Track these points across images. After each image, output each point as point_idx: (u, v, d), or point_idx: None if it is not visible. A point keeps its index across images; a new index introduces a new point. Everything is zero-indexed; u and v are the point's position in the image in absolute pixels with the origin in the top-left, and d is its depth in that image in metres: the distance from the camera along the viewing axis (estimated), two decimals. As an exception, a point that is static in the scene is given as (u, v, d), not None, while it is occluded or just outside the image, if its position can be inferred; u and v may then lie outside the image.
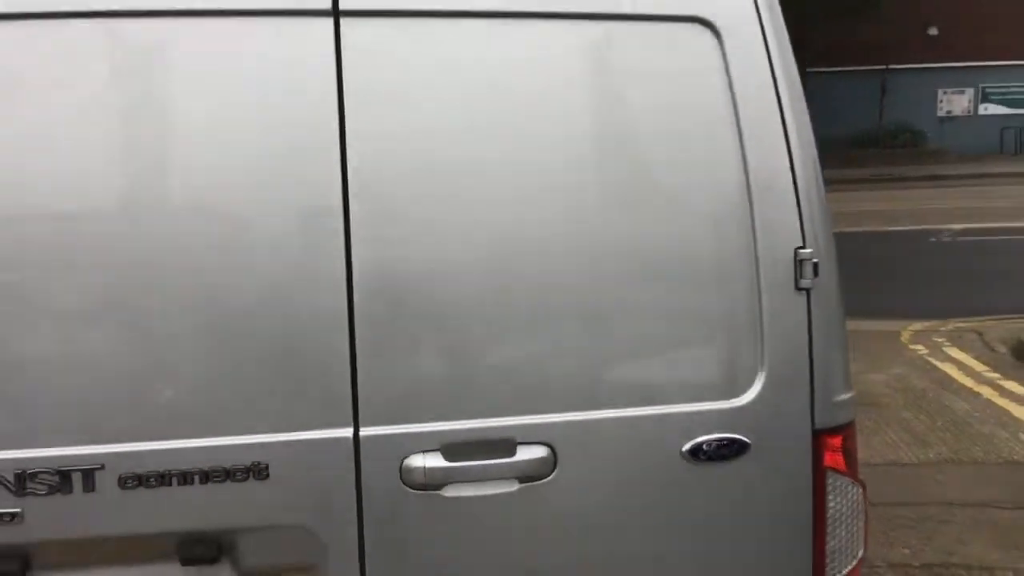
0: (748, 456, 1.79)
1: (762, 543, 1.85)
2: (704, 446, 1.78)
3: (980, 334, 8.53)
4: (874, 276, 12.10)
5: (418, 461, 1.69)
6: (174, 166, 1.61)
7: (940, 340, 8.34)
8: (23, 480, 1.60)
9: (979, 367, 7.48)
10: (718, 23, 1.79)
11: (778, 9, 1.89)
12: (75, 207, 1.60)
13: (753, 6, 1.81)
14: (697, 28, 1.78)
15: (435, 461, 1.70)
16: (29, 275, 1.58)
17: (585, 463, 1.74)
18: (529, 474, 1.73)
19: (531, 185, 1.75)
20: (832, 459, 1.85)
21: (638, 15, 1.80)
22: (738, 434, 1.79)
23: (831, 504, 1.86)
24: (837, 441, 1.86)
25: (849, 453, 1.89)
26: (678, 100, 1.79)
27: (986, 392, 6.80)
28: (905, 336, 8.53)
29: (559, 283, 1.75)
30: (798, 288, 1.80)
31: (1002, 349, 7.99)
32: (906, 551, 4.30)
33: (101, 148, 1.59)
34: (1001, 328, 8.56)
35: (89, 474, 1.61)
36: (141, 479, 1.62)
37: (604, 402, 1.75)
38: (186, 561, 1.66)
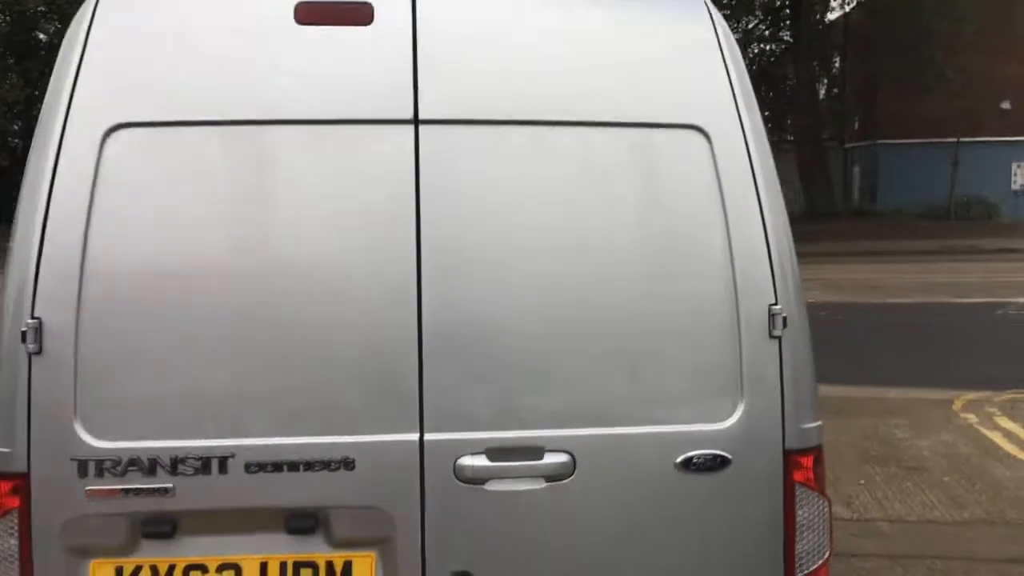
0: (729, 469, 2.25)
1: (741, 542, 2.29)
2: (694, 459, 2.24)
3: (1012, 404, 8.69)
4: (936, 346, 12.26)
5: (467, 461, 2.19)
6: (299, 235, 2.17)
7: (992, 410, 8.51)
8: (176, 463, 2.14)
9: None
10: (708, 130, 2.30)
11: (756, 111, 2.38)
12: (230, 263, 2.17)
13: (736, 114, 2.32)
14: (693, 133, 2.30)
15: (481, 461, 2.20)
16: (196, 316, 2.15)
17: (598, 468, 2.21)
18: (553, 475, 2.21)
19: (568, 251, 2.26)
20: (801, 475, 2.30)
21: (653, 123, 2.32)
22: (721, 451, 2.25)
23: (800, 513, 2.30)
24: (805, 460, 2.30)
25: (817, 471, 2.32)
26: (679, 188, 2.30)
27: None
28: (958, 405, 8.69)
29: (586, 328, 2.25)
30: (771, 336, 2.27)
31: (1048, 427, 8.15)
32: (926, 596, 4.61)
33: (255, 221, 2.16)
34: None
35: (223, 461, 2.15)
36: (261, 466, 2.15)
37: (615, 421, 2.23)
38: (291, 531, 2.18)
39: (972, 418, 8.22)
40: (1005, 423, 8.07)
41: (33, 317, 2.12)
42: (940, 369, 10.28)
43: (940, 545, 5.30)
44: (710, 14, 2.43)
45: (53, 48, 43.88)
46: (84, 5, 2.31)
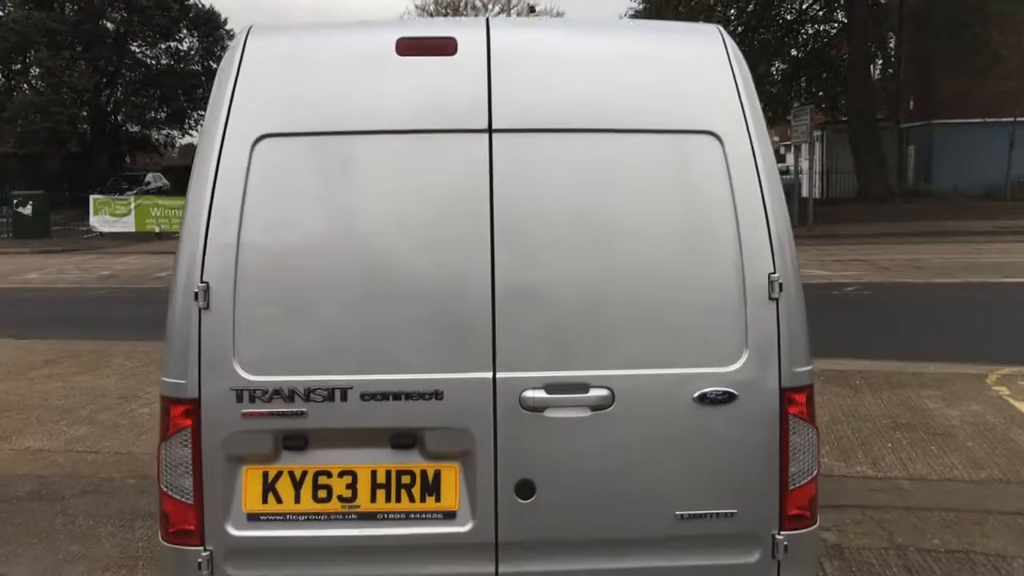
0: (736, 403, 2.85)
1: (745, 462, 2.88)
2: (707, 394, 2.84)
3: None
4: (977, 324, 12.61)
5: (529, 394, 2.82)
6: (402, 219, 2.81)
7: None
8: (308, 393, 2.81)
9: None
10: (721, 135, 2.89)
11: (761, 118, 2.95)
12: (349, 241, 2.83)
13: (743, 122, 2.90)
14: (710, 138, 2.89)
15: (540, 394, 2.82)
16: (324, 283, 2.81)
17: (632, 400, 2.83)
18: (596, 405, 2.83)
19: (611, 232, 2.87)
20: (795, 409, 2.89)
21: (677, 130, 2.92)
22: (729, 388, 2.85)
23: (793, 439, 2.89)
24: (799, 397, 2.89)
25: (808, 406, 2.91)
26: (700, 182, 2.89)
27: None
28: (991, 379, 9.08)
29: (624, 293, 2.86)
30: (770, 298, 2.86)
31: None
32: (936, 542, 5.14)
33: (368, 207, 2.82)
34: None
35: (344, 392, 2.81)
36: (372, 396, 2.81)
37: (645, 364, 2.84)
38: (394, 446, 2.84)
39: (1004, 391, 8.62)
40: (1036, 395, 8.48)
41: (202, 282, 2.80)
42: (979, 345, 10.65)
43: (955, 500, 5.81)
44: (723, 39, 3.02)
45: (120, 36, 45.42)
46: (235, 40, 2.97)
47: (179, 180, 46.09)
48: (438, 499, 2.85)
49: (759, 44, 30.53)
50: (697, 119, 2.91)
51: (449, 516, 2.85)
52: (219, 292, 2.80)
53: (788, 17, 32.20)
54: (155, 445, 6.94)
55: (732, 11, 31.01)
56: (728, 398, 2.85)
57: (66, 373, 9.99)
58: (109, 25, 45.61)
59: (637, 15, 32.13)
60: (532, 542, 2.84)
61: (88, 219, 31.52)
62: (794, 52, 32.82)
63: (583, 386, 2.83)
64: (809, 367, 2.93)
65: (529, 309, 2.82)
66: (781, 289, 2.87)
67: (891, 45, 35.66)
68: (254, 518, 2.84)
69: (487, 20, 2.97)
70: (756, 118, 2.93)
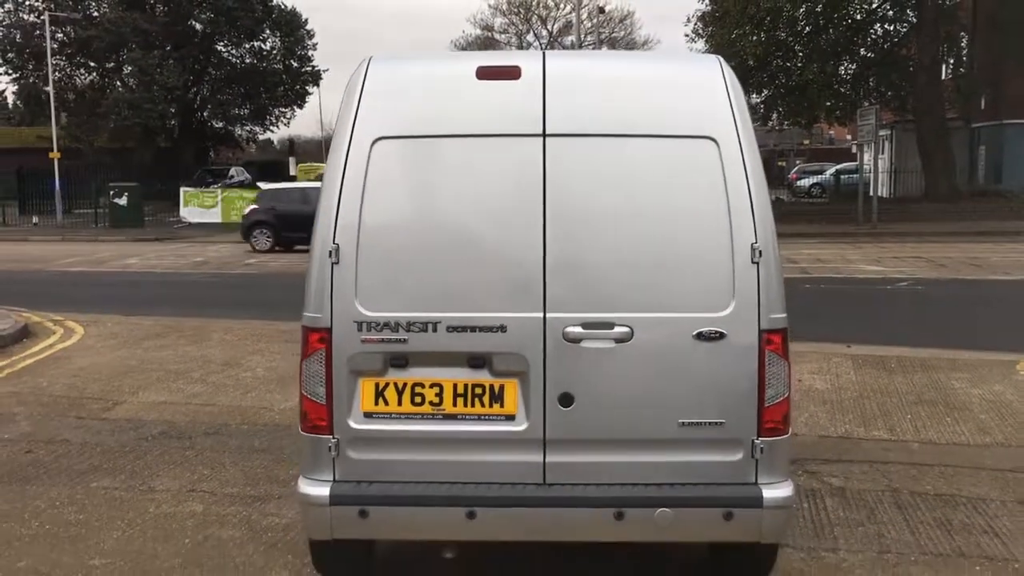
0: (725, 340, 3.79)
1: (733, 385, 3.82)
2: (703, 332, 3.79)
3: None
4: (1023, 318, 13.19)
5: (570, 329, 3.80)
6: (481, 199, 3.81)
7: (1052, 370, 9.55)
8: (409, 325, 3.82)
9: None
10: (717, 138, 3.84)
11: (749, 124, 3.89)
12: (441, 216, 3.84)
13: (735, 129, 3.85)
14: (708, 142, 3.85)
15: (578, 329, 3.80)
16: (421, 246, 3.82)
17: (646, 336, 3.79)
18: (619, 339, 3.79)
19: (634, 210, 3.84)
20: (771, 346, 3.83)
21: (684, 135, 3.88)
22: (720, 328, 3.80)
23: (769, 369, 3.82)
24: (774, 337, 3.82)
25: (783, 345, 3.84)
26: (697, 175, 3.85)
27: (1067, 403, 8.13)
28: (1021, 365, 9.74)
29: (642, 258, 3.83)
30: (752, 262, 3.80)
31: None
32: (929, 488, 5.98)
33: (456, 191, 3.83)
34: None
35: (435, 324, 3.82)
36: (455, 328, 3.81)
37: (657, 309, 3.79)
38: (470, 366, 3.84)
39: (1029, 375, 9.30)
40: (1058, 379, 9.13)
41: (334, 243, 3.86)
42: (1018, 338, 11.21)
43: (956, 459, 6.62)
44: (721, 67, 3.97)
45: (207, 36, 47.60)
46: (360, 66, 4.00)
47: (260, 174, 48.17)
48: (502, 406, 3.87)
49: (827, 44, 30.91)
50: (699, 127, 3.88)
51: (510, 418, 3.86)
52: (346, 251, 3.85)
53: (858, 17, 32.44)
54: (259, 400, 8.15)
55: (801, 10, 31.38)
56: (720, 336, 3.81)
57: (174, 344, 11.26)
58: (197, 26, 47.78)
59: (704, 16, 32.80)
60: (571, 439, 3.84)
61: (178, 210, 33.38)
62: (863, 52, 33.03)
63: (610, 324, 3.82)
64: (783, 315, 3.87)
65: (571, 267, 3.82)
66: (761, 255, 3.81)
67: (963, 44, 35.61)
68: (369, 416, 3.90)
69: (543, 52, 3.98)
70: (745, 127, 3.88)
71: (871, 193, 31.55)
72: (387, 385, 3.90)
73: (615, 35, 52.36)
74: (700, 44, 32.73)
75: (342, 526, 3.88)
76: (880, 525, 5.29)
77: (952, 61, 36.61)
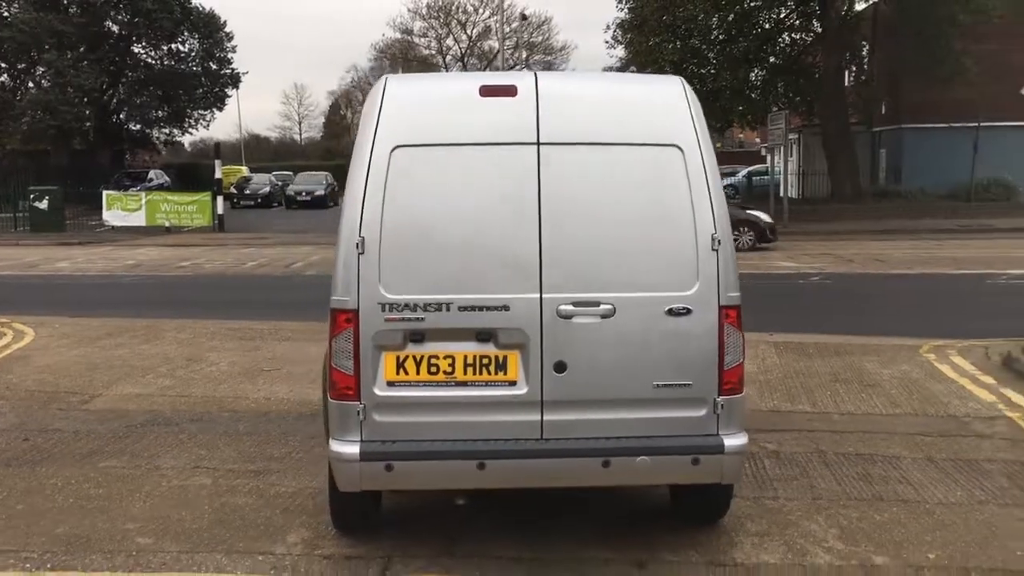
0: (692, 314, 4.54)
1: (699, 352, 4.56)
2: (674, 308, 4.53)
3: (986, 348, 10.59)
4: (925, 308, 14.42)
5: (563, 307, 4.49)
6: (485, 197, 4.46)
7: (950, 352, 10.55)
8: (425, 306, 4.46)
9: (969, 368, 9.73)
10: (682, 146, 4.60)
11: (707, 134, 4.65)
12: (449, 212, 4.49)
13: (696, 139, 4.61)
14: (674, 149, 4.60)
15: (569, 307, 4.49)
16: (432, 238, 4.46)
17: (627, 312, 4.51)
18: (604, 315, 4.50)
19: (613, 208, 4.55)
20: (728, 320, 4.60)
21: (655, 143, 4.63)
22: (687, 304, 4.56)
23: (727, 339, 4.58)
24: (731, 312, 4.59)
25: (738, 319, 4.62)
26: (666, 177, 4.60)
27: (962, 381, 9.16)
28: (924, 348, 10.73)
29: (623, 246, 4.55)
30: (712, 249, 4.57)
31: (996, 358, 10.23)
32: (850, 449, 6.86)
33: (462, 191, 4.48)
34: (1007, 345, 10.68)
35: (448, 305, 4.47)
36: (464, 308, 4.50)
37: (636, 289, 4.52)
38: (478, 340, 4.50)
39: (932, 356, 10.29)
40: (956, 359, 10.15)
41: (360, 236, 4.50)
42: (920, 324, 12.36)
43: (871, 426, 7.54)
44: (683, 85, 4.74)
45: (123, 38, 46.92)
46: (378, 85, 4.65)
47: (179, 177, 47.67)
48: (505, 373, 4.55)
49: (739, 52, 32.33)
50: (667, 137, 4.63)
51: (512, 384, 4.55)
52: (370, 243, 4.49)
53: (767, 26, 33.97)
54: (232, 391, 8.63)
55: (714, 19, 32.75)
56: (687, 311, 4.56)
57: (129, 343, 11.58)
58: (114, 27, 47.05)
59: (623, 23, 33.94)
60: (564, 400, 4.54)
61: (98, 213, 32.98)
62: (772, 59, 34.58)
63: (596, 303, 4.54)
64: (737, 293, 4.64)
65: (562, 255, 4.53)
66: (720, 244, 4.58)
67: (864, 54, 37.48)
68: (391, 384, 4.54)
69: (535, 73, 4.69)
70: (704, 136, 4.66)
71: (781, 194, 33.12)
72: (407, 358, 4.54)
73: (533, 40, 53.41)
74: (620, 51, 33.97)
75: (370, 479, 4.52)
76: (811, 479, 6.13)
77: (855, 69, 38.50)
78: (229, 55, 49.82)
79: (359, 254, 4.49)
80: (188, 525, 5.33)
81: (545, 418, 4.55)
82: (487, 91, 4.63)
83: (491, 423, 4.54)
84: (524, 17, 47.16)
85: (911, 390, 8.74)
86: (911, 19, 31.65)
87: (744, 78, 32.30)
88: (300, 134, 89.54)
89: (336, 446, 4.55)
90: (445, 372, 4.55)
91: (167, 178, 46.17)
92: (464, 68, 69.89)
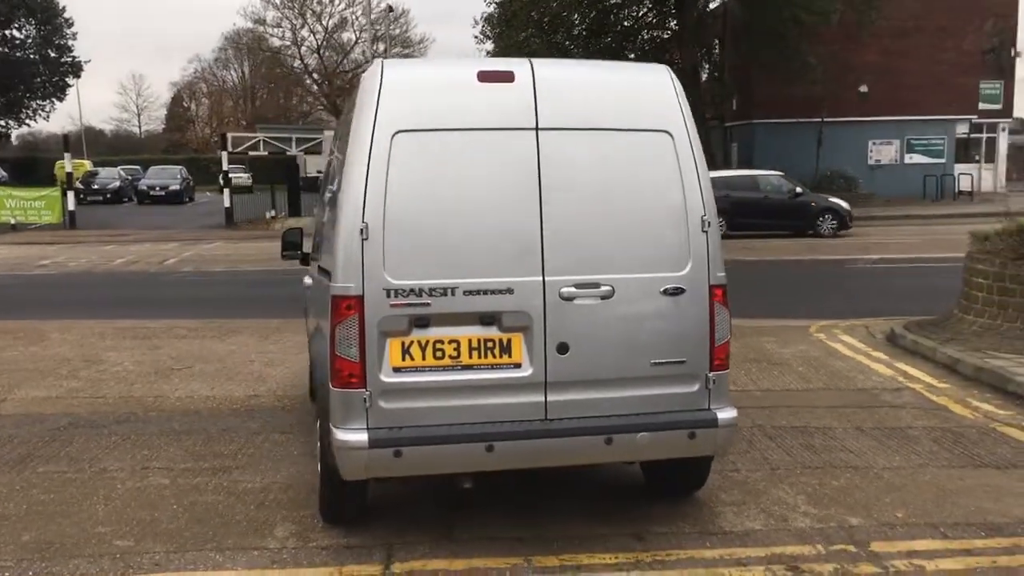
0: (684, 294, 4.72)
1: (691, 329, 4.74)
2: (668, 288, 4.69)
3: (867, 327, 11.46)
4: (801, 292, 15.25)
5: (565, 289, 4.58)
6: (485, 181, 4.49)
7: (837, 331, 11.26)
8: (431, 291, 4.45)
9: (859, 345, 10.44)
10: (672, 131, 4.77)
11: (692, 120, 4.84)
12: (451, 196, 4.50)
13: (684, 124, 4.79)
14: (664, 135, 4.77)
15: (571, 290, 4.59)
16: (436, 222, 4.47)
17: (625, 292, 4.64)
18: (604, 296, 4.61)
19: (609, 189, 4.66)
20: (717, 298, 4.80)
21: (647, 129, 4.77)
22: (680, 284, 4.73)
23: (717, 316, 4.79)
24: (719, 291, 4.80)
25: (725, 297, 4.83)
26: (658, 161, 4.76)
27: (858, 357, 9.80)
28: (813, 328, 11.41)
29: (619, 227, 4.67)
30: (702, 231, 4.77)
31: (879, 336, 11.02)
32: (784, 423, 7.24)
33: (462, 175, 4.50)
34: (883, 324, 11.46)
35: (452, 290, 4.47)
36: (469, 292, 4.52)
37: (633, 271, 4.65)
38: (482, 324, 4.53)
39: (822, 336, 10.97)
40: (844, 338, 10.85)
41: (363, 223, 4.45)
42: (804, 307, 13.12)
43: (793, 401, 7.96)
44: (670, 74, 4.91)
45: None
46: (374, 69, 4.60)
47: (14, 171, 44.83)
48: (510, 356, 4.60)
49: (601, 48, 33.11)
50: (657, 123, 4.79)
51: (517, 366, 4.61)
52: (373, 228, 4.45)
53: (627, 24, 34.92)
54: (148, 391, 8.31)
55: (576, 16, 33.41)
56: (680, 291, 4.74)
57: (13, 345, 10.93)
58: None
59: (491, 18, 34.17)
60: (567, 381, 4.63)
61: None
62: (633, 56, 35.57)
63: (596, 284, 4.65)
64: (723, 273, 4.86)
65: (563, 238, 4.61)
66: (709, 225, 4.79)
67: (716, 52, 39.05)
68: (397, 370, 4.51)
69: (531, 61, 4.75)
70: (690, 122, 4.84)
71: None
72: (412, 343, 4.53)
73: (392, 32, 52.96)
74: (489, 45, 34.20)
75: (379, 466, 4.49)
76: (761, 451, 6.45)
77: (708, 66, 40.06)
78: (69, 42, 47.29)
79: (363, 240, 4.45)
80: (165, 525, 5.13)
81: (549, 399, 4.63)
82: (485, 77, 4.66)
83: (496, 406, 4.59)
84: (390, 9, 46.74)
85: (816, 367, 9.26)
86: (759, 19, 33.18)
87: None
88: (140, 127, 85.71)
89: (342, 434, 4.49)
90: (451, 356, 4.56)
91: (3, 172, 43.40)
92: (321, 61, 68.75)
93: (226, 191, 32.15)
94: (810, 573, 4.43)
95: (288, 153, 35.30)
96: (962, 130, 40.02)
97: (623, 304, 4.69)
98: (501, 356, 4.60)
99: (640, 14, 35.58)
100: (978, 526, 4.99)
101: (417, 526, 5.03)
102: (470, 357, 4.58)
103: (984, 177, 40.57)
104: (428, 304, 4.52)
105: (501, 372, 4.60)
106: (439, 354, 4.56)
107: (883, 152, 37.63)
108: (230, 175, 32.82)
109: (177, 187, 43.04)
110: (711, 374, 4.81)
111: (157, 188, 42.90)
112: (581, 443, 4.65)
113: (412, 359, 4.54)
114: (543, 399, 4.63)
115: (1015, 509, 5.23)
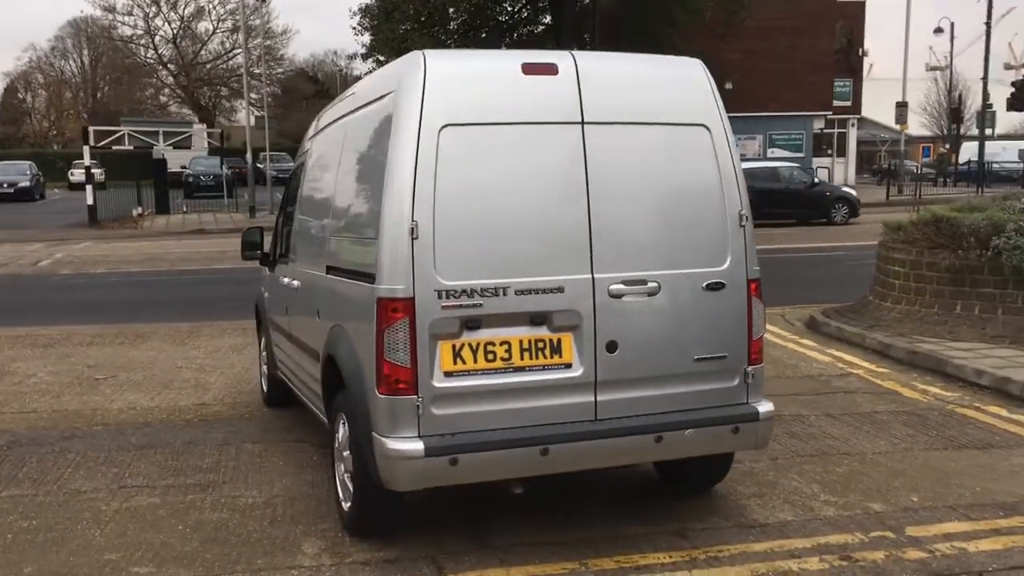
0: (725, 289, 4.72)
1: (731, 323, 4.74)
2: (710, 283, 4.68)
3: (783, 315, 11.87)
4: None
5: (614, 287, 4.52)
6: (531, 174, 4.36)
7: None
8: (482, 291, 4.27)
9: (785, 333, 10.78)
10: (709, 125, 4.75)
11: (725, 114, 4.85)
12: (502, 190, 4.34)
13: (720, 118, 4.79)
14: (702, 128, 4.75)
15: (620, 287, 4.50)
16: (490, 219, 4.29)
17: (671, 288, 4.59)
18: (651, 292, 4.55)
19: (654, 185, 4.61)
20: (753, 292, 4.83)
21: (686, 123, 4.74)
22: (721, 279, 4.72)
23: (754, 310, 4.82)
24: (754, 285, 4.83)
25: (759, 290, 4.85)
26: (696, 156, 4.73)
27: (791, 345, 10.12)
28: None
29: (664, 223, 4.62)
30: (740, 226, 4.77)
31: (798, 323, 11.41)
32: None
33: (511, 168, 4.35)
34: (798, 312, 11.96)
35: (504, 289, 4.31)
36: (520, 291, 4.34)
37: (677, 267, 4.60)
38: (532, 324, 4.39)
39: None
40: (769, 326, 11.21)
41: (413, 221, 4.23)
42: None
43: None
44: (703, 68, 4.90)
45: None
46: (413, 60, 4.39)
47: None
48: (561, 356, 4.48)
49: (478, 43, 33.02)
50: (695, 116, 4.76)
51: (567, 366, 4.48)
52: (423, 227, 4.24)
53: (502, 18, 34.97)
54: (82, 403, 7.79)
55: (452, 10, 33.21)
56: (721, 286, 4.73)
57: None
58: None
59: (367, 9, 33.52)
60: (616, 380, 4.55)
61: None
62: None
63: (643, 281, 4.58)
64: (758, 267, 4.89)
65: (610, 234, 4.52)
66: (746, 220, 4.80)
67: (589, 46, 39.55)
68: (449, 375, 4.32)
69: (571, 53, 4.63)
70: (724, 116, 4.84)
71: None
72: (463, 346, 4.35)
73: (252, 22, 51.29)
74: (366, 38, 33.56)
75: (433, 475, 4.30)
76: (751, 441, 6.53)
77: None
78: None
79: (412, 240, 4.24)
80: (179, 548, 4.76)
81: (599, 398, 4.54)
82: (530, 69, 4.52)
83: (548, 407, 4.47)
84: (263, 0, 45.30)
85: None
86: (631, 17, 33.85)
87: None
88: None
89: (393, 443, 4.27)
90: (502, 359, 4.41)
91: None
92: (177, 51, 65.92)
93: (89, 188, 30.40)
94: (863, 561, 4.50)
95: (156, 148, 33.71)
96: (819, 126, 42.10)
97: (668, 300, 4.64)
98: (552, 356, 4.48)
99: (515, 9, 35.69)
100: (992, 506, 5.20)
101: (449, 535, 4.84)
102: (521, 359, 4.44)
103: (837, 170, 42.80)
104: (480, 305, 4.35)
105: (552, 373, 4.48)
106: (490, 356, 4.40)
107: (747, 147, 39.09)
108: (77, 170, 31.02)
109: (27, 184, 40.41)
110: (749, 368, 4.83)
111: (5, 185, 40.15)
112: (632, 442, 4.58)
113: (463, 362, 4.36)
114: (593, 399, 4.54)
115: (1018, 488, 5.47)
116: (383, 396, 4.31)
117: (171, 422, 7.33)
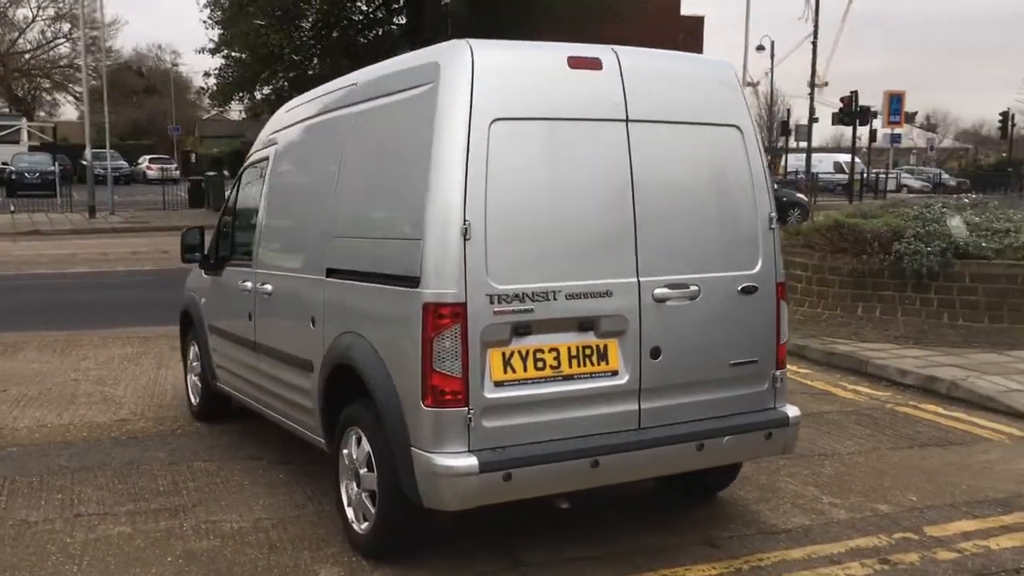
0: (757, 292, 4.64)
1: (762, 325, 4.66)
2: (744, 287, 4.60)
3: None
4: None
5: (658, 291, 4.33)
6: (578, 173, 4.17)
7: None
8: (534, 296, 4.01)
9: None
10: (741, 126, 4.67)
11: (752, 116, 4.80)
12: (551, 189, 4.09)
13: (749, 119, 4.72)
14: (735, 130, 4.66)
15: (664, 291, 4.34)
16: (540, 220, 4.06)
17: (710, 292, 4.47)
18: (692, 296, 4.41)
19: (694, 184, 4.50)
20: (782, 295, 4.78)
21: (719, 123, 4.62)
22: (754, 283, 4.64)
23: (781, 314, 4.78)
24: (782, 288, 4.78)
25: (785, 293, 4.81)
26: (730, 156, 4.64)
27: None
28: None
29: (702, 228, 4.49)
30: (770, 228, 4.71)
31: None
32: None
33: (557, 166, 4.13)
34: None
35: (555, 293, 4.06)
36: (570, 296, 4.10)
37: (715, 270, 4.48)
38: (580, 330, 4.17)
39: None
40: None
41: (464, 221, 3.92)
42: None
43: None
44: (732, 67, 4.81)
45: None
46: (456, 49, 4.06)
47: None
48: (607, 363, 4.27)
49: (332, 42, 32.26)
50: (728, 117, 4.67)
51: (614, 374, 4.28)
52: (475, 228, 3.94)
53: (355, 17, 34.19)
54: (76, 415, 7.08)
55: (305, 6, 32.21)
56: (754, 289, 4.65)
57: None
58: None
59: (218, 2, 31.97)
60: (658, 387, 4.38)
61: None
62: (363, 53, 34.90)
63: (685, 285, 4.44)
64: (784, 271, 4.84)
65: (653, 236, 4.35)
66: (775, 223, 4.74)
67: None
68: (499, 384, 4.03)
69: (613, 48, 4.42)
70: (753, 118, 4.77)
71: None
72: (512, 354, 4.08)
73: (75, 12, 48.29)
74: (214, 32, 32.02)
75: (487, 493, 4.01)
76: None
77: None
78: None
79: (465, 240, 3.94)
80: (182, 584, 4.25)
81: (642, 406, 4.37)
82: (576, 63, 4.30)
83: (593, 417, 4.26)
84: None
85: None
86: (483, 18, 33.81)
87: (341, 67, 32.24)
88: None
89: (442, 459, 3.95)
90: (551, 367, 4.17)
91: None
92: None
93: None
94: (902, 564, 4.52)
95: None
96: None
97: (708, 304, 4.52)
98: (599, 364, 4.28)
99: (370, 9, 35.02)
100: (988, 503, 5.35)
101: (476, 554, 4.55)
102: (570, 366, 4.21)
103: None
104: (532, 310, 4.09)
105: (599, 381, 4.27)
106: (540, 364, 4.15)
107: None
108: None
109: None
110: (777, 372, 4.78)
111: None
112: (676, 451, 4.43)
113: (513, 371, 4.09)
114: (636, 407, 4.36)
115: (1002, 483, 5.67)
116: (428, 409, 3.98)
117: (95, 440, 6.64)
